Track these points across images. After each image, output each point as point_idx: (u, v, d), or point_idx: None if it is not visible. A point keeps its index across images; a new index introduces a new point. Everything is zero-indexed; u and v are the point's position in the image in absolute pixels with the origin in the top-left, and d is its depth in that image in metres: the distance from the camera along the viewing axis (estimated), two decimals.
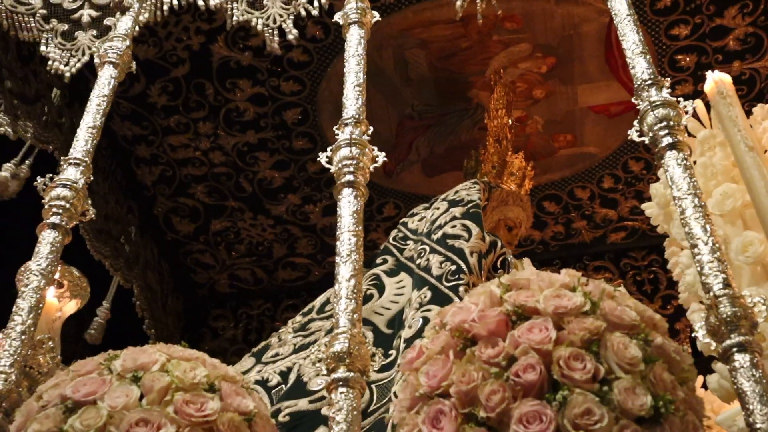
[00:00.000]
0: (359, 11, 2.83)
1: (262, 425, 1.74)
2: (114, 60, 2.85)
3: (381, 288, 3.03)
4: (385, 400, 2.53)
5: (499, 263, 3.08)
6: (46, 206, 2.35)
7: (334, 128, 2.41)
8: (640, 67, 2.34)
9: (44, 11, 3.48)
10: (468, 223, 3.04)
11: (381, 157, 2.32)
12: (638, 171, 4.95)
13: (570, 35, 4.30)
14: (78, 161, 2.48)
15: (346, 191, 2.20)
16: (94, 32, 3.45)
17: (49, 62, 3.38)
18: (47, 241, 2.28)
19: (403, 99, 4.57)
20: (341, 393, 1.69)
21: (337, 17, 2.92)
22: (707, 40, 4.32)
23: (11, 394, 1.91)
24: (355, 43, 2.74)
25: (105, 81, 2.79)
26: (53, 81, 4.11)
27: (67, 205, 2.35)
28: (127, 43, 2.89)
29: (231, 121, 4.54)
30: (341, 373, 1.71)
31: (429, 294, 2.77)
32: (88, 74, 4.25)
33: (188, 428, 1.61)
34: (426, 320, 2.64)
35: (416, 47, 4.34)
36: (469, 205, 3.16)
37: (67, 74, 3.31)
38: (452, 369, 1.46)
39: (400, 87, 4.51)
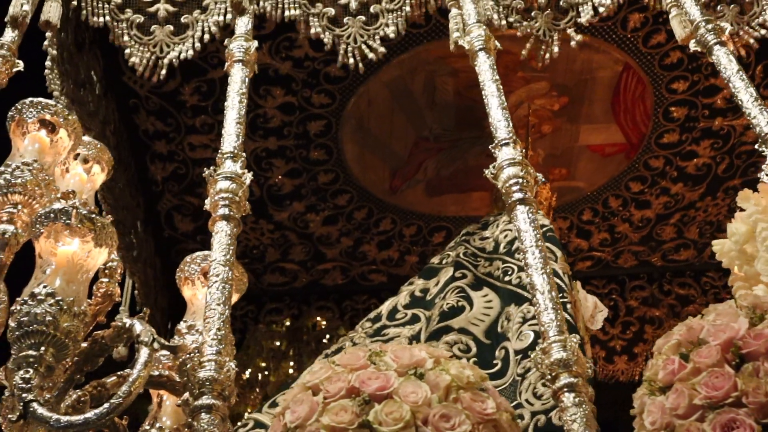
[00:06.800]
0: (484, 38, 3.03)
1: (517, 426, 1.91)
2: (242, 58, 2.93)
3: (470, 301, 3.25)
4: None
5: None
6: (214, 199, 2.40)
7: (490, 147, 2.60)
8: (763, 119, 2.66)
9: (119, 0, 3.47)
10: (550, 245, 3.30)
11: (540, 177, 2.55)
12: (615, 207, 5.38)
13: (585, 79, 4.65)
14: (234, 154, 2.54)
15: (521, 208, 2.39)
16: (171, 28, 3.47)
17: (131, 60, 3.38)
18: (225, 232, 2.33)
19: (424, 121, 4.77)
20: (574, 398, 1.83)
21: (462, 42, 3.11)
22: (699, 96, 4.79)
23: (227, 382, 1.95)
24: (488, 69, 2.94)
25: (239, 78, 2.89)
26: (95, 68, 4.06)
27: (236, 198, 2.41)
28: (255, 43, 2.98)
29: (256, 126, 4.59)
30: (566, 379, 1.86)
31: (532, 309, 2.98)
32: (124, 66, 4.24)
33: (481, 425, 1.75)
34: (537, 334, 2.87)
35: (447, 75, 4.57)
36: (544, 229, 3.42)
37: (154, 78, 3.34)
38: (737, 382, 1.68)
39: (424, 110, 4.71)
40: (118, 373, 2.02)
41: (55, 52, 3.44)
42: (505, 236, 3.51)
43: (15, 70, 2.60)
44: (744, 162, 5.11)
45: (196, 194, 4.88)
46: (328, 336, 5.44)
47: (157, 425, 2.14)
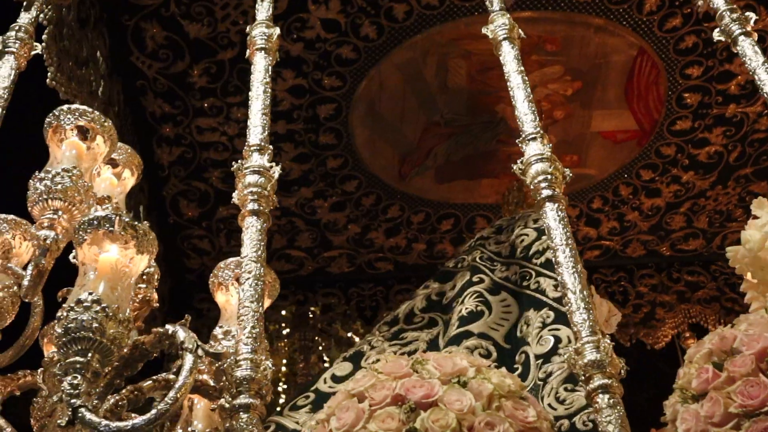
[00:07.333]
0: (508, 27, 2.93)
1: None
2: (264, 46, 2.83)
3: (488, 305, 3.20)
4: None
5: None
6: (242, 194, 2.32)
7: (517, 141, 2.51)
8: None
9: None
10: None
11: (568, 172, 2.46)
12: (626, 195, 5.32)
13: (599, 63, 4.58)
14: (261, 147, 2.46)
15: (549, 205, 2.30)
16: None
17: None
18: (256, 228, 2.25)
19: (435, 105, 4.69)
20: (608, 399, 1.76)
21: (485, 31, 3.01)
22: (713, 82, 4.72)
23: (264, 381, 1.90)
24: (512, 59, 2.83)
25: (262, 68, 2.78)
26: (100, 47, 3.95)
27: (265, 192, 2.33)
28: (277, 30, 2.88)
29: None
30: (600, 380, 1.79)
31: (552, 314, 2.96)
32: (133, 46, 4.14)
33: None
34: (558, 339, 2.82)
35: (460, 57, 4.48)
36: None
37: None
38: None
39: (436, 93, 4.63)
40: (154, 377, 1.96)
41: (53, 27, 3.30)
42: (521, 241, 3.47)
43: (33, 53, 2.51)
44: (756, 150, 5.07)
45: (203, 179, 4.79)
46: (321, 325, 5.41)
47: (189, 429, 2.08)
